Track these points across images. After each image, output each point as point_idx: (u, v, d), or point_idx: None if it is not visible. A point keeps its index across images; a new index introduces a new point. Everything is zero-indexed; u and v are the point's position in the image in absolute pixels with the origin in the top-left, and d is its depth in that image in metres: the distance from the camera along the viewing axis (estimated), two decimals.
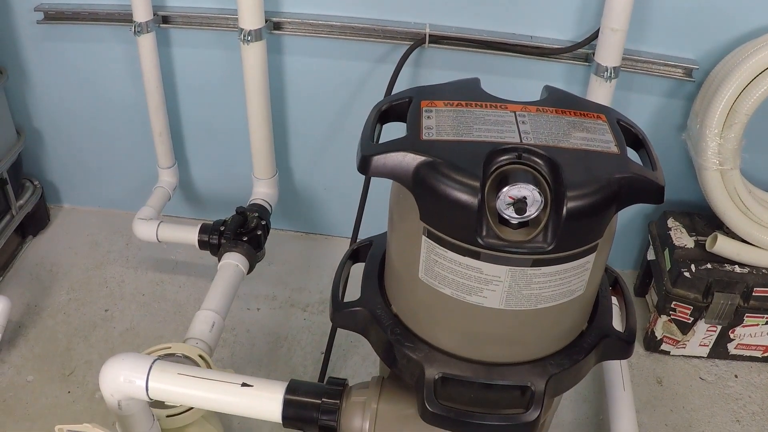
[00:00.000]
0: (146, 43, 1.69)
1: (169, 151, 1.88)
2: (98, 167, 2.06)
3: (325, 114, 1.84)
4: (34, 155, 2.04)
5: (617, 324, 1.00)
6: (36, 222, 2.04)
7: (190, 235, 1.70)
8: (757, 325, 1.68)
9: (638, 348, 1.78)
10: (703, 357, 1.77)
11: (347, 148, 1.86)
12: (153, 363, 1.02)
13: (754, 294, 1.63)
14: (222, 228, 1.66)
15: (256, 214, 1.70)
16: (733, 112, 1.51)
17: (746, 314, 1.66)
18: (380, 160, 0.80)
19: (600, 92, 1.56)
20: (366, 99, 1.77)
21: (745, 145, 1.55)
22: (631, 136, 0.89)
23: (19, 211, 1.93)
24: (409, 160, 0.78)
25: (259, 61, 1.64)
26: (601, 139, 0.84)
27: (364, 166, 0.80)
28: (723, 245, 1.63)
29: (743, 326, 1.68)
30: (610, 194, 0.78)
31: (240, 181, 1.92)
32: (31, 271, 1.92)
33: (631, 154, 0.85)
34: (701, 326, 1.69)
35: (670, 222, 1.75)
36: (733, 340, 1.72)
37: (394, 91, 1.55)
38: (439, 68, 1.70)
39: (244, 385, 1.01)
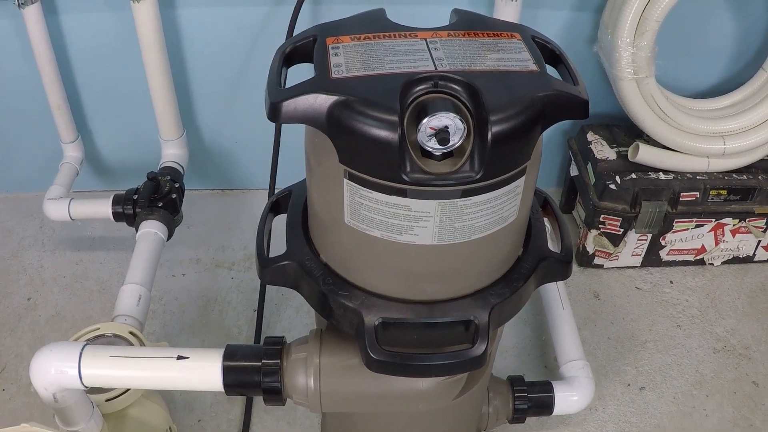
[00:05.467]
0: (32, 14, 1.58)
1: (70, 123, 1.79)
2: None
3: (227, 65, 1.76)
4: None
5: (552, 245, 0.99)
6: None
7: (104, 208, 1.63)
8: (687, 229, 1.69)
9: None
10: (637, 266, 1.78)
11: (253, 97, 1.80)
12: (83, 349, 0.97)
13: (681, 199, 1.64)
14: (135, 196, 1.60)
15: (169, 177, 1.63)
16: (643, 20, 1.49)
17: (675, 220, 1.67)
18: (290, 105, 0.75)
19: (506, 12, 1.52)
20: (266, 44, 1.70)
21: (658, 52, 1.54)
22: (548, 52, 0.86)
23: None
24: (321, 101, 0.74)
25: (152, 18, 1.55)
26: (518, 58, 0.81)
27: (274, 113, 0.75)
28: (645, 154, 1.63)
29: (673, 232, 1.70)
30: (534, 114, 0.75)
31: (149, 146, 1.84)
32: None
33: (550, 70, 0.83)
34: (632, 236, 1.70)
35: (590, 136, 1.74)
36: (664, 246, 1.73)
37: (295, 33, 1.50)
38: (340, 3, 1.63)
39: (180, 358, 0.96)
